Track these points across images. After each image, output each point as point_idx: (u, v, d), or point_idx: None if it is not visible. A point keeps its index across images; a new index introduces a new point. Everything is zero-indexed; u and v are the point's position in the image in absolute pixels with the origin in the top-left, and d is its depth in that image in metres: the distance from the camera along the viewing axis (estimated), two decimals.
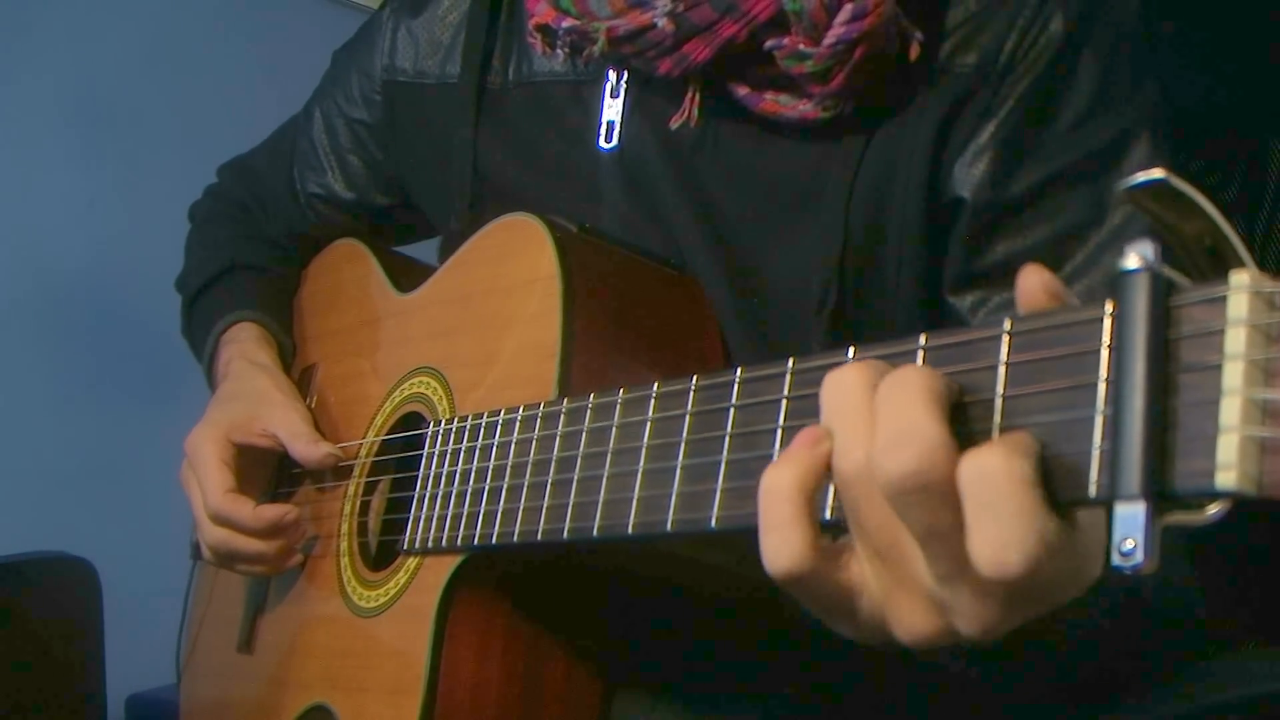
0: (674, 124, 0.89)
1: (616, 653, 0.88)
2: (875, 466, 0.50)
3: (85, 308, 2.08)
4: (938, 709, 0.80)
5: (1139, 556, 0.44)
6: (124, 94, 2.13)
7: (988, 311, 0.85)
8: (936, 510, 0.49)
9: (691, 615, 0.90)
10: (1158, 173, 0.47)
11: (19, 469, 1.97)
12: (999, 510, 0.47)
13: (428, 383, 0.96)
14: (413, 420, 0.97)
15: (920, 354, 0.54)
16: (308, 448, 1.03)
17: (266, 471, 1.11)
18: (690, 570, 0.85)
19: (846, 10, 0.80)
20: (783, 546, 0.53)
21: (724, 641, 0.91)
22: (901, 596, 0.53)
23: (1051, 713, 0.70)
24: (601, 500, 0.71)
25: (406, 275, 1.09)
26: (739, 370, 0.64)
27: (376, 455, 1.01)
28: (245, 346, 1.15)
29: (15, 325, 2.02)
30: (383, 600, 0.91)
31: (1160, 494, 0.44)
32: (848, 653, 0.65)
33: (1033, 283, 0.52)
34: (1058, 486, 0.48)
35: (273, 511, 1.00)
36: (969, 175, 0.84)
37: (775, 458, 0.60)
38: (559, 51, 0.93)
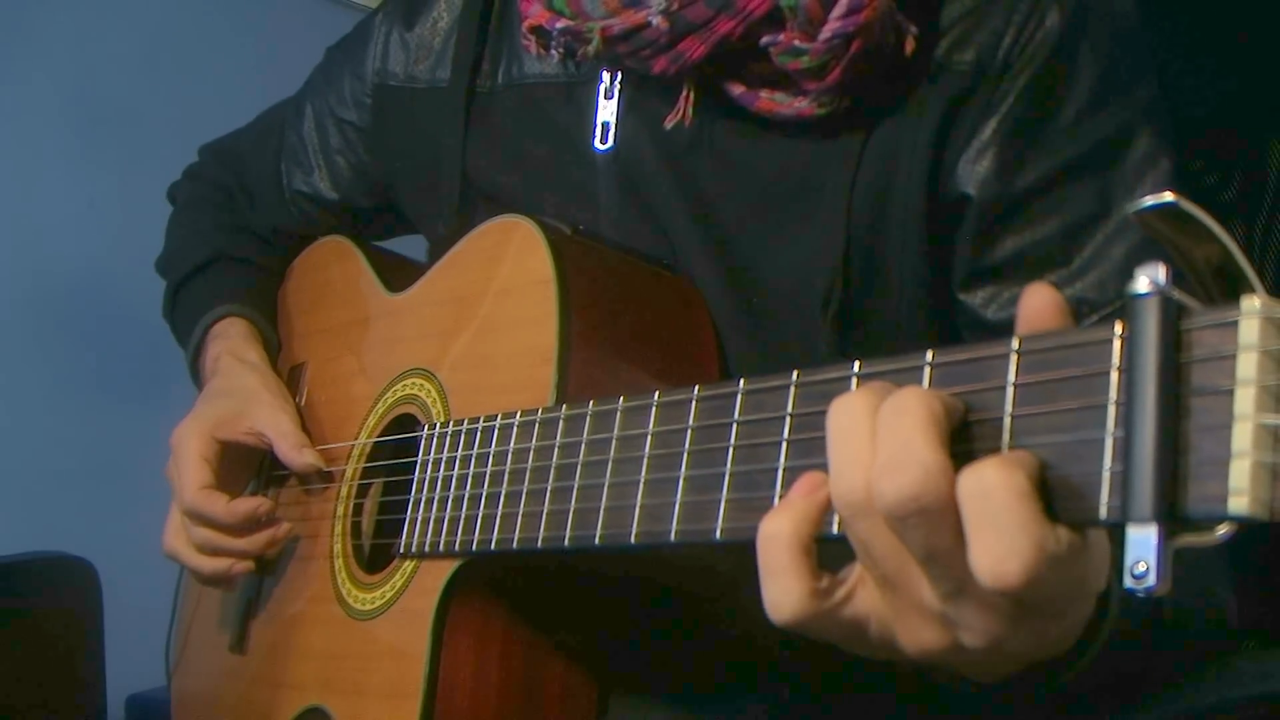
0: (668, 124, 0.89)
1: (613, 654, 0.89)
2: (874, 490, 0.50)
3: (85, 308, 2.08)
4: (938, 708, 0.80)
5: (1152, 579, 0.45)
6: (124, 94, 2.12)
7: (1000, 306, 0.85)
8: (935, 532, 0.50)
9: (687, 617, 0.90)
10: (1168, 196, 0.47)
11: (19, 469, 1.96)
12: (998, 522, 0.47)
13: (421, 384, 0.95)
14: (406, 422, 0.96)
15: (927, 370, 0.55)
16: (293, 451, 1.03)
17: (249, 472, 1.11)
18: (685, 574, 0.86)
19: (842, 4, 0.80)
20: (784, 596, 0.54)
21: (720, 643, 0.91)
22: (910, 617, 0.55)
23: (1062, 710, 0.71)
24: (603, 507, 0.71)
25: (396, 274, 1.08)
26: (741, 382, 0.64)
27: (368, 456, 1.01)
28: (234, 343, 1.14)
29: (15, 325, 2.01)
30: (379, 603, 0.91)
31: (1172, 517, 0.45)
32: (845, 654, 0.65)
33: (1040, 300, 0.52)
34: (1065, 506, 0.49)
35: (246, 505, 1.00)
36: (974, 172, 0.84)
37: (780, 471, 0.60)
38: (553, 53, 0.92)
